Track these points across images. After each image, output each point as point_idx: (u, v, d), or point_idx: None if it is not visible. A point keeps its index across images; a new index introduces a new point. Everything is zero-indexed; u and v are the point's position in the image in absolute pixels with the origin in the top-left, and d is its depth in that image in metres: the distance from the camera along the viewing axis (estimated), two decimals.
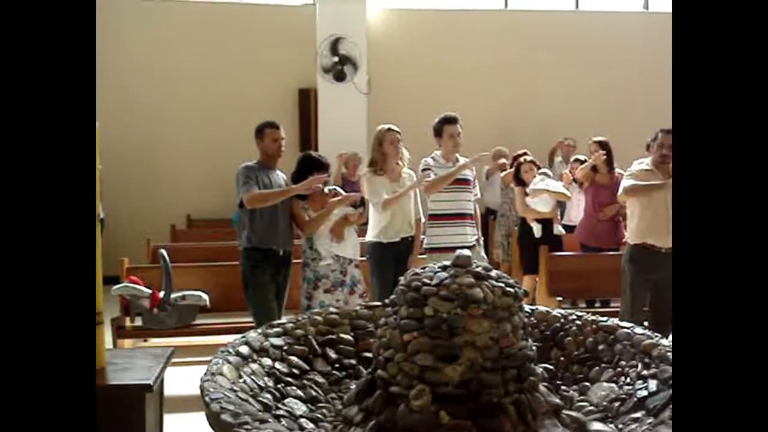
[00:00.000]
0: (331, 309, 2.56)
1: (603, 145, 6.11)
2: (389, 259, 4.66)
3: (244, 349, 2.17)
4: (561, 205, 7.46)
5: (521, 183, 6.27)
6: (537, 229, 6.06)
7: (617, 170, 5.86)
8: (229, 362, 2.06)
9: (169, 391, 2.76)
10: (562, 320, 2.47)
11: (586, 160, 6.41)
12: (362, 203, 4.63)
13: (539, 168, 6.48)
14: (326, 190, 4.64)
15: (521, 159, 6.44)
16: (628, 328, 2.33)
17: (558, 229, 6.26)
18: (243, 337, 2.26)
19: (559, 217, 6.48)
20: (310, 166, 4.52)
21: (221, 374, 1.97)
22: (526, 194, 6.17)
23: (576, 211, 6.69)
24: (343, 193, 4.71)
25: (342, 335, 2.43)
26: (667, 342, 2.20)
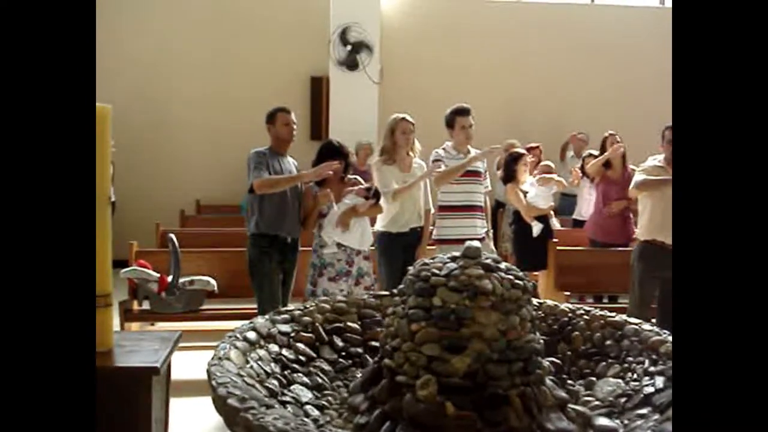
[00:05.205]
0: (339, 297, 2.56)
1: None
2: (398, 249, 4.66)
3: (252, 335, 2.17)
4: (568, 199, 7.39)
5: (513, 178, 5.86)
6: (537, 229, 5.82)
7: (629, 166, 5.82)
8: (236, 347, 2.06)
9: (175, 374, 2.77)
10: (569, 314, 2.46)
11: (598, 155, 6.36)
12: (376, 195, 4.59)
13: (552, 173, 6.34)
14: (346, 179, 4.60)
15: (513, 151, 6.09)
16: (635, 324, 2.32)
17: (554, 224, 6.12)
18: (250, 322, 2.26)
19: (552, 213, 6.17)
20: (328, 153, 4.50)
21: (228, 359, 1.97)
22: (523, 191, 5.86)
23: (587, 207, 6.66)
24: (363, 182, 4.68)
25: (349, 323, 2.43)
26: None
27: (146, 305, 5.23)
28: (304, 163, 4.71)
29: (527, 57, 9.59)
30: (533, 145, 7.16)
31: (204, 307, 5.28)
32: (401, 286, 2.09)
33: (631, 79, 9.49)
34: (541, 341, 2.06)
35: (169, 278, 5.05)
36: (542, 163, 6.72)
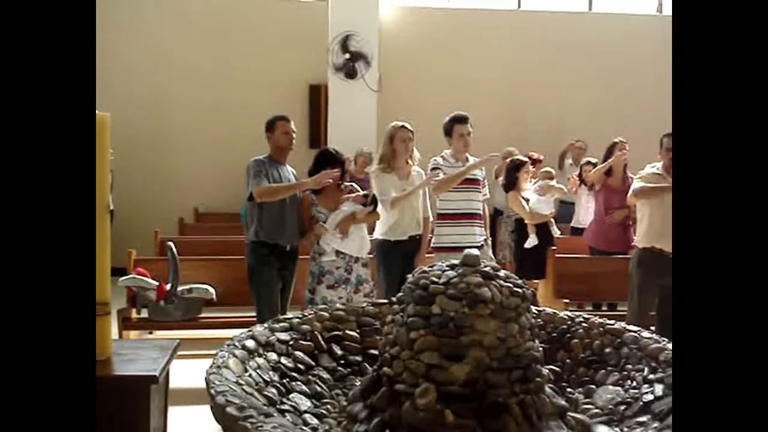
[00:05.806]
0: (338, 305, 2.55)
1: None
2: (396, 257, 4.66)
3: (250, 343, 2.16)
4: (566, 207, 7.37)
5: (514, 186, 5.94)
6: (532, 239, 5.87)
7: (629, 174, 5.82)
8: (234, 356, 2.05)
9: (174, 383, 2.77)
10: (569, 322, 2.46)
11: (597, 163, 6.36)
12: (373, 202, 4.59)
13: (552, 179, 6.38)
14: (342, 186, 4.61)
15: (515, 158, 6.18)
16: (635, 331, 2.32)
17: (555, 231, 6.15)
18: (249, 331, 2.26)
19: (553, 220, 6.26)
20: (326, 161, 4.51)
21: (227, 367, 1.96)
22: (524, 198, 5.93)
23: (585, 214, 6.65)
24: (360, 190, 4.69)
25: (348, 332, 2.42)
26: None
27: (145, 313, 5.22)
28: (302, 171, 4.71)
29: (526, 65, 9.62)
30: (536, 156, 7.14)
31: (202, 315, 5.26)
32: (400, 294, 2.08)
33: (630, 86, 9.52)
34: (541, 349, 2.05)
35: (168, 286, 5.04)
36: (543, 170, 6.73)
